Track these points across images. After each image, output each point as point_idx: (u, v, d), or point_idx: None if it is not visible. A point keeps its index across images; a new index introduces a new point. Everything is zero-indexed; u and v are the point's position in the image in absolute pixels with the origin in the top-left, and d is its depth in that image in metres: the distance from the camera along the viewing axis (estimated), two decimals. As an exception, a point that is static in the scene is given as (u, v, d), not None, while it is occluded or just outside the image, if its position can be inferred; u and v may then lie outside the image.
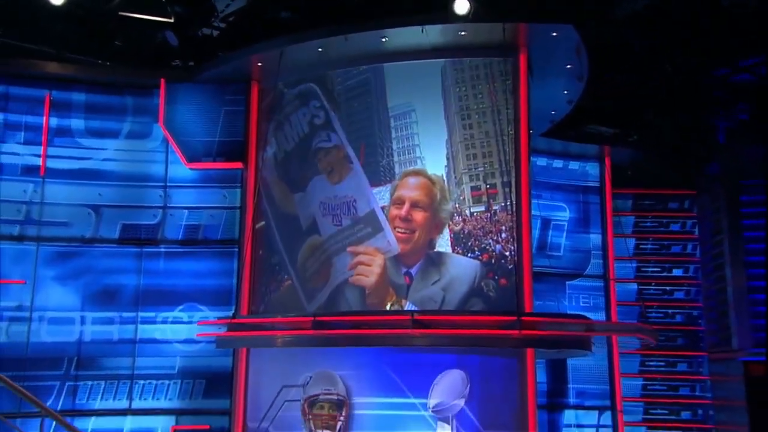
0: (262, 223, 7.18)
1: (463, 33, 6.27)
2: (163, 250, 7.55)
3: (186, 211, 7.65)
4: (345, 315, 6.20)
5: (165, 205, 7.63)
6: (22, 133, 7.41)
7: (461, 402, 5.99)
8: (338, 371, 6.35)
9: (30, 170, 7.31)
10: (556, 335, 5.82)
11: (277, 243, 6.99)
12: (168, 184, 7.67)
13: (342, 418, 6.24)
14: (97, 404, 7.16)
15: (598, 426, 8.82)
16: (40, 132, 7.41)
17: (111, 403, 7.20)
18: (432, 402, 6.05)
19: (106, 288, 7.37)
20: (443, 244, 6.31)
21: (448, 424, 5.97)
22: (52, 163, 7.37)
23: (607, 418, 8.79)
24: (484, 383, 6.02)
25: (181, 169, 7.62)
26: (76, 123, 7.55)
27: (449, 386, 6.04)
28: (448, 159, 6.49)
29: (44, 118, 7.39)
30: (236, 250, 7.45)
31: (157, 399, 7.31)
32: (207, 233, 7.63)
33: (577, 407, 8.86)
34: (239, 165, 7.51)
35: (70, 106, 7.58)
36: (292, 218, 6.91)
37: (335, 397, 6.31)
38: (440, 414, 6.01)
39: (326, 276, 6.60)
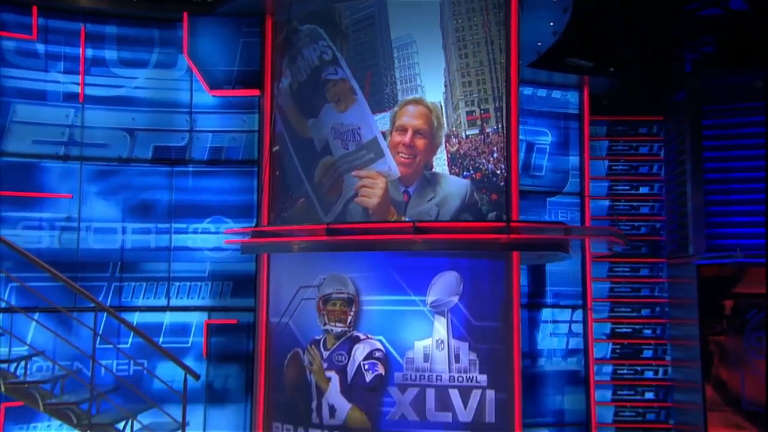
0: (277, 147, 7.23)
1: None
2: (191, 169, 7.65)
3: (210, 134, 7.71)
4: (355, 224, 6.32)
5: (191, 129, 7.67)
6: (62, 63, 7.37)
7: (455, 299, 6.21)
8: (348, 273, 6.51)
9: (70, 97, 7.32)
10: (539, 238, 5.95)
11: (294, 164, 7.05)
12: (193, 110, 7.68)
13: (352, 313, 6.46)
14: (140, 302, 7.40)
15: (570, 322, 9.12)
16: (77, 62, 7.37)
17: (152, 301, 7.45)
18: (430, 299, 6.26)
19: (142, 202, 7.50)
20: (441, 164, 6.38)
21: (444, 317, 6.20)
22: (89, 91, 7.36)
23: (578, 315, 9.10)
24: (475, 282, 6.21)
25: (205, 96, 7.63)
26: (110, 54, 7.51)
27: (445, 285, 6.24)
28: (445, 86, 6.51)
29: (81, 49, 7.34)
30: (255, 169, 7.56)
31: (191, 298, 7.56)
32: (229, 154, 7.71)
33: (553, 306, 9.14)
34: (257, 92, 7.54)
35: (104, 38, 7.52)
36: (307, 141, 6.96)
37: (345, 295, 6.50)
38: (437, 309, 6.24)
39: (339, 190, 6.71)
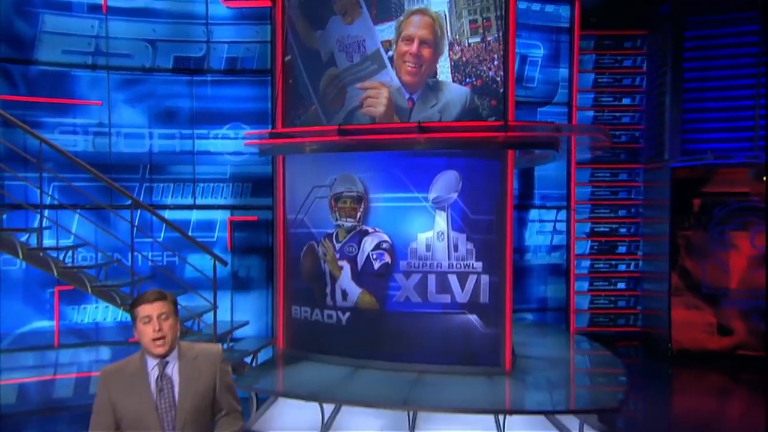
0: (289, 57, 7.09)
1: None
2: (209, 78, 7.60)
3: (226, 45, 7.60)
4: (365, 125, 6.33)
5: (208, 39, 7.55)
6: (84, -26, 7.15)
7: (455, 195, 6.27)
8: (357, 174, 6.55)
9: (94, 8, 7.15)
10: (532, 136, 6.05)
11: (302, 73, 6.93)
12: (209, 21, 7.53)
13: (361, 209, 6.53)
14: (169, 201, 7.56)
15: (555, 221, 9.40)
16: (97, -27, 7.16)
17: (180, 200, 7.60)
18: (432, 195, 6.33)
19: (166, 109, 7.50)
20: (444, 71, 6.29)
21: (444, 211, 6.29)
22: (111, 2, 7.18)
23: (562, 215, 9.35)
24: (472, 180, 6.25)
25: (219, 7, 7.46)
26: (128, -35, 7.26)
27: (446, 183, 6.29)
28: (450, -5, 6.32)
29: (100, -40, 7.09)
30: (269, 78, 7.50)
31: (215, 197, 7.70)
32: (244, 64, 7.64)
33: (540, 207, 9.40)
34: (268, 3, 7.34)
35: (122, -50, 7.26)
36: (315, 52, 6.81)
37: (355, 193, 6.55)
38: (438, 204, 6.32)
39: (342, 101, 6.63)
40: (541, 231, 9.44)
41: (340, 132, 5.81)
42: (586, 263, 9.56)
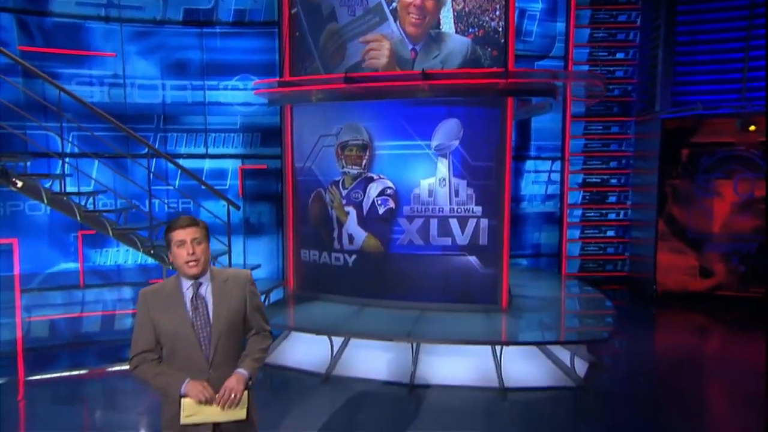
0: (295, 9, 6.92)
1: None
2: (218, 30, 7.50)
3: (233, -4, 7.49)
4: (370, 72, 6.27)
5: (216, -9, 7.43)
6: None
7: (456, 143, 6.28)
8: (362, 123, 6.53)
9: (105, -39, 7.05)
10: (531, 82, 6.03)
11: (305, 27, 6.81)
12: (217, -27, 7.38)
13: (366, 157, 6.56)
14: (183, 150, 7.58)
15: (550, 171, 9.49)
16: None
17: (193, 149, 7.62)
18: (434, 143, 6.34)
19: (177, 61, 7.43)
20: (447, 22, 6.20)
21: (446, 158, 6.32)
22: (120, -47, 7.05)
23: (557, 165, 9.44)
24: (473, 128, 6.24)
25: (225, -42, 7.31)
26: None
27: (447, 131, 6.29)
28: (454, -56, 6.15)
29: None
30: (276, 30, 7.40)
31: (226, 147, 7.73)
32: (252, 16, 7.53)
33: (536, 158, 9.47)
34: (274, -44, 7.18)
35: None
36: (315, 5, 6.69)
37: (360, 142, 6.55)
38: (440, 152, 6.34)
39: (342, 56, 6.55)
40: (537, 181, 9.53)
41: (347, 80, 5.78)
42: (578, 212, 9.68)
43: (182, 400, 2.57)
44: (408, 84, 5.89)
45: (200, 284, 2.71)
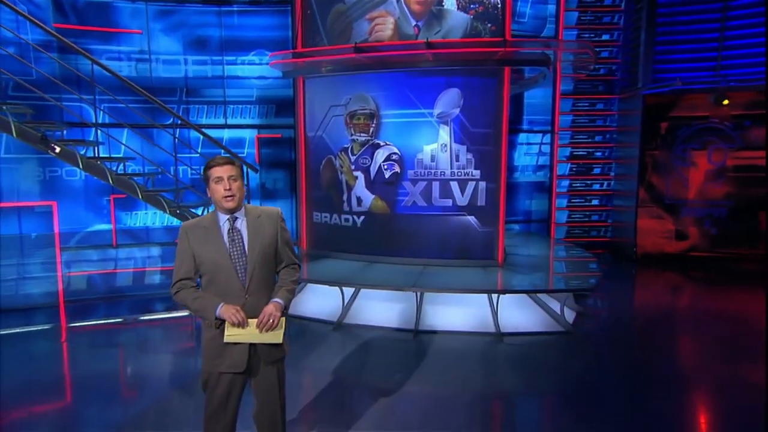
0: None
1: None
2: (236, 8, 7.51)
3: (249, -24, 7.46)
4: (378, 42, 6.30)
5: (233, -29, 7.41)
6: None
7: (457, 111, 6.33)
8: (370, 93, 6.57)
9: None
10: (527, 52, 6.08)
11: (314, 6, 6.81)
12: (235, -47, 7.34)
13: (373, 125, 6.61)
14: (204, 120, 7.62)
15: (540, 144, 9.58)
16: None
17: (213, 120, 7.66)
18: (436, 111, 6.39)
19: (198, 38, 7.44)
20: None
21: (447, 125, 6.38)
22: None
23: (547, 138, 9.53)
24: (473, 97, 6.29)
25: (241, -60, 7.26)
26: None
27: (449, 100, 6.34)
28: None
29: None
30: (289, 8, 7.39)
31: (244, 118, 7.76)
32: (267, -6, 7.51)
33: (528, 131, 9.56)
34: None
35: None
36: None
37: (368, 111, 6.60)
38: (442, 119, 6.39)
39: (348, 36, 6.56)
40: (528, 153, 9.62)
41: (356, 50, 5.82)
42: (566, 182, 9.80)
43: (226, 322, 2.65)
44: (413, 53, 5.90)
45: (236, 218, 2.76)
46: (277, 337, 2.70)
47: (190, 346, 5.39)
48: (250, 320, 2.66)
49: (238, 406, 2.81)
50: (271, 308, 2.69)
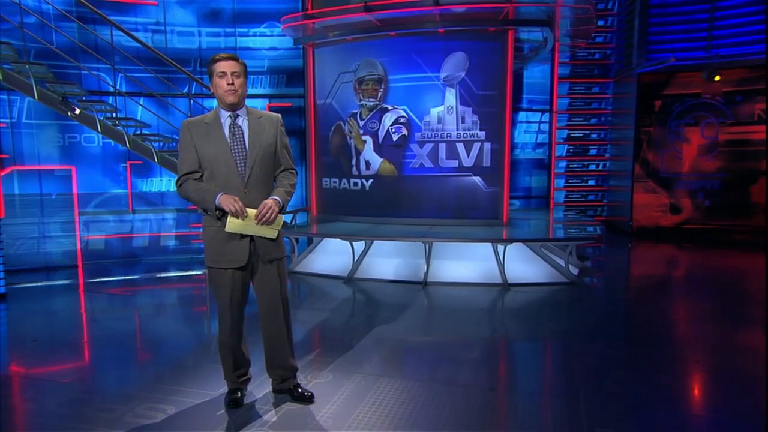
0: None
1: None
2: (247, -19, 7.51)
3: (258, -51, 7.47)
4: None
5: (244, -58, 7.40)
6: None
7: (462, 73, 6.31)
8: (378, 58, 6.55)
9: None
10: (530, 11, 6.01)
11: None
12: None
13: (381, 90, 6.58)
14: (218, 90, 7.63)
15: (539, 122, 9.56)
16: None
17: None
18: (443, 74, 6.36)
19: (212, 10, 7.43)
20: None
21: (453, 88, 6.35)
22: None
23: (546, 117, 9.51)
24: (478, 60, 6.27)
25: None
26: None
27: (455, 63, 6.31)
28: None
29: None
30: (300, -20, 7.38)
31: (255, 87, 7.74)
32: (276, -33, 7.51)
33: (527, 110, 9.54)
34: None
35: None
36: None
37: (376, 76, 6.56)
38: (448, 82, 6.37)
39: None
40: (528, 130, 9.60)
41: (366, 8, 5.80)
42: (563, 163, 9.78)
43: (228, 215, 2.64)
44: (421, 9, 5.85)
45: (237, 116, 2.69)
46: (273, 233, 2.71)
47: (202, 309, 5.26)
48: (249, 210, 2.64)
49: (244, 303, 2.83)
50: (270, 202, 2.66)
